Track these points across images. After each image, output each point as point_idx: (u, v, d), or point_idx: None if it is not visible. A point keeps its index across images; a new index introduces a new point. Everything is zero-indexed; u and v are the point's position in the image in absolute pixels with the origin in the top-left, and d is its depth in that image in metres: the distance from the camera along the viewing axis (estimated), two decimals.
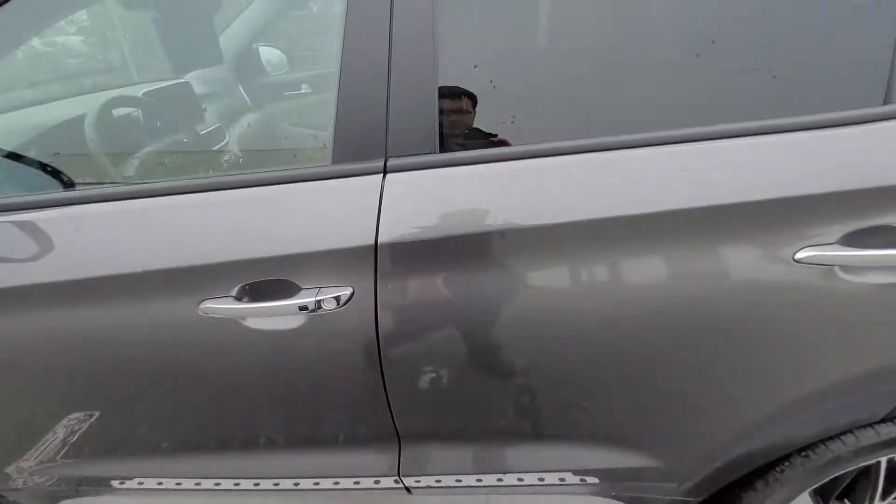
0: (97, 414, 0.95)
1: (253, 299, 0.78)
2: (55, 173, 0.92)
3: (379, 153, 0.74)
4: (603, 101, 0.78)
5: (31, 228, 0.80)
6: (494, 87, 0.76)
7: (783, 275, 0.72)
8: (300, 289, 0.77)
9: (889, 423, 0.86)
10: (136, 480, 1.06)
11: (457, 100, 0.75)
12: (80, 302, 0.80)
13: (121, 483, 1.10)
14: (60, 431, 0.96)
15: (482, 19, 0.75)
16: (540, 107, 0.78)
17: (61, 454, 1.03)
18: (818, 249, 0.71)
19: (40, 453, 1.06)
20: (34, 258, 0.79)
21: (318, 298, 0.76)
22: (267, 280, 0.78)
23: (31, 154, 1.01)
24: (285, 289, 0.77)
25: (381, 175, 0.74)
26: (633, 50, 0.76)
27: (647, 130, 0.71)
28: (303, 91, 0.96)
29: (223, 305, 0.78)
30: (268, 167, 0.85)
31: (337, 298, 0.76)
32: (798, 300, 0.75)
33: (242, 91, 1.32)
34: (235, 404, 0.93)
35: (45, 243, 0.79)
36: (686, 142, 0.70)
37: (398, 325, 0.79)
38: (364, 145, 0.75)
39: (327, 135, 0.76)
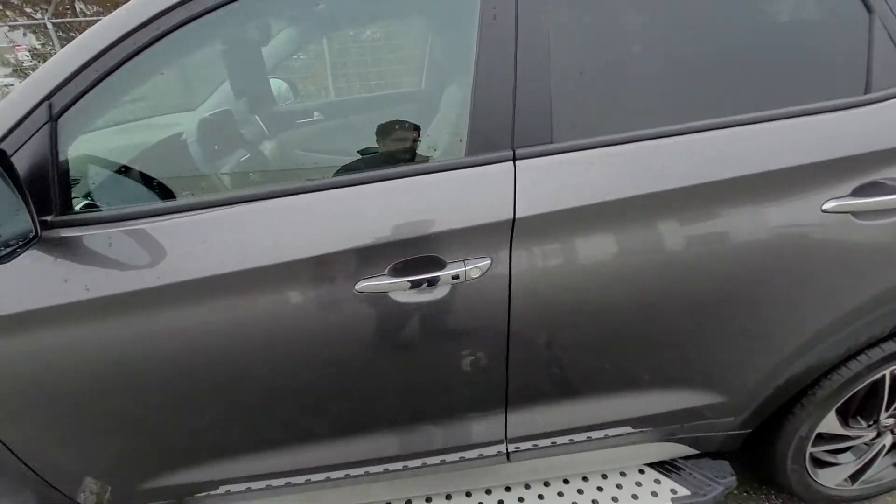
0: (255, 405, 1.00)
1: (401, 276, 0.89)
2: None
3: (507, 145, 0.90)
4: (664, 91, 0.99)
5: (206, 223, 0.87)
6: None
7: (818, 220, 0.95)
8: (446, 263, 0.90)
9: (892, 340, 1.11)
10: (264, 483, 1.09)
11: None
12: (254, 289, 0.87)
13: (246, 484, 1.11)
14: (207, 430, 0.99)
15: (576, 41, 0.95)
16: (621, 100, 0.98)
17: (192, 457, 1.05)
18: (838, 201, 0.95)
19: (143, 466, 1.06)
20: (213, 251, 0.86)
21: (466, 269, 0.88)
22: (416, 258, 0.89)
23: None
24: (433, 263, 0.89)
25: (512, 162, 0.90)
26: (689, 48, 0.98)
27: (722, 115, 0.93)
28: (441, 103, 1.10)
29: (379, 282, 0.88)
30: (414, 162, 0.97)
31: (480, 268, 0.89)
32: (825, 242, 0.98)
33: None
34: (383, 383, 1.01)
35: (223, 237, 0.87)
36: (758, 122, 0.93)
37: (528, 290, 0.93)
38: (495, 139, 0.90)
39: (462, 132, 0.91)
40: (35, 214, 0.76)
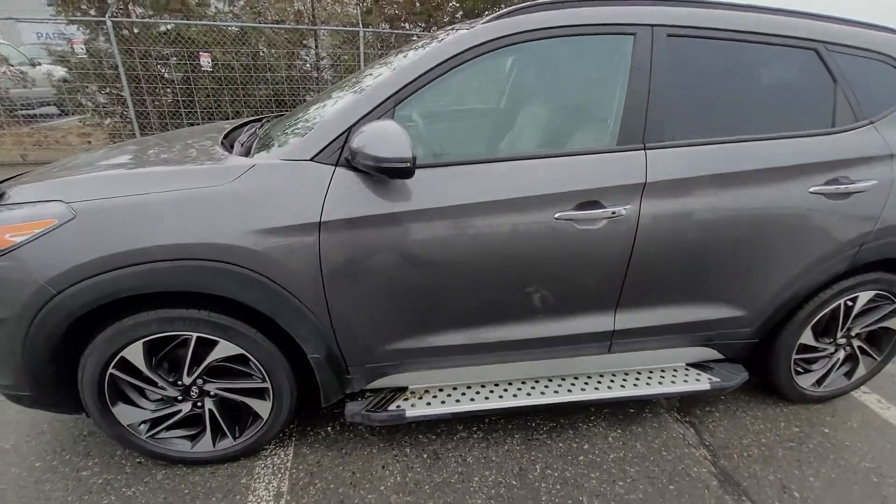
0: (459, 295, 1.57)
1: (581, 210, 1.52)
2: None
3: (640, 139, 1.56)
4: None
5: (482, 171, 1.48)
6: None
7: (804, 199, 1.65)
8: (604, 206, 1.53)
9: (849, 277, 1.82)
10: (454, 344, 1.66)
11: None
12: (503, 211, 1.48)
13: (439, 357, 1.68)
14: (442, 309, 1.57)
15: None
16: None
17: (419, 329, 1.61)
18: (818, 186, 1.66)
19: (403, 331, 1.62)
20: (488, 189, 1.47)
21: (615, 209, 1.53)
22: (587, 201, 1.53)
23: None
24: (597, 206, 1.53)
25: (643, 151, 1.56)
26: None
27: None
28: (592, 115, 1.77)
29: (568, 214, 1.51)
30: (592, 148, 1.61)
31: (625, 210, 1.54)
32: (811, 212, 1.68)
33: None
34: (551, 282, 1.61)
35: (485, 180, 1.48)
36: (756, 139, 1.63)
37: (648, 227, 1.57)
38: (634, 137, 1.56)
39: (614, 128, 1.56)
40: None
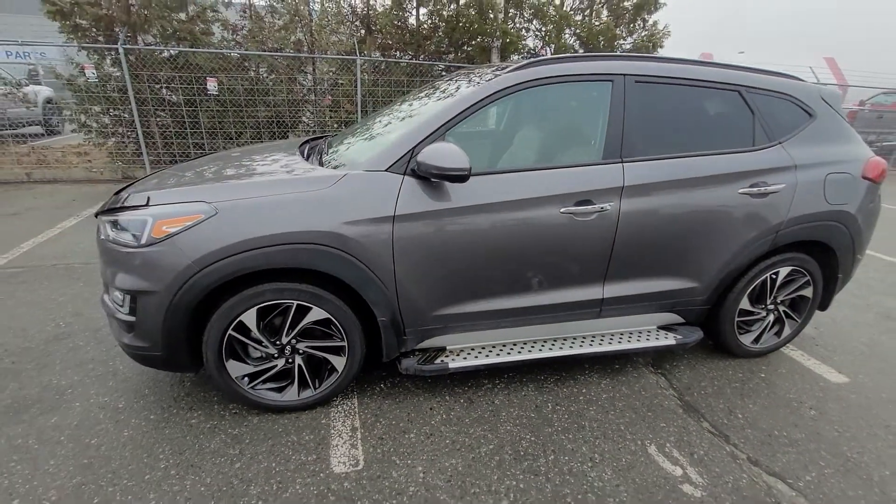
0: (491, 271, 2.11)
1: (579, 206, 2.09)
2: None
3: (619, 155, 2.16)
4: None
5: (504, 179, 2.03)
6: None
7: (735, 198, 2.29)
8: (594, 203, 2.11)
9: (771, 256, 2.47)
10: (485, 311, 2.19)
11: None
12: (524, 207, 2.03)
13: (472, 321, 2.20)
14: (471, 283, 2.09)
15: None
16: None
17: (459, 299, 2.13)
18: (744, 189, 2.30)
19: (447, 300, 2.13)
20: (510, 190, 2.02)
21: (602, 206, 2.11)
22: (583, 199, 2.10)
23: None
24: (590, 203, 2.11)
25: (621, 164, 2.16)
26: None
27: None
28: (584, 138, 2.36)
29: (570, 209, 2.08)
30: (582, 161, 2.20)
31: (609, 206, 2.12)
32: (740, 207, 2.31)
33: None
34: (557, 260, 2.17)
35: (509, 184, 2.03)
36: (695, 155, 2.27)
37: (626, 218, 2.16)
38: (614, 153, 2.16)
39: (600, 146, 2.16)
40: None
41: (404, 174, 1.97)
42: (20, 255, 3.90)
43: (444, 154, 1.84)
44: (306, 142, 2.82)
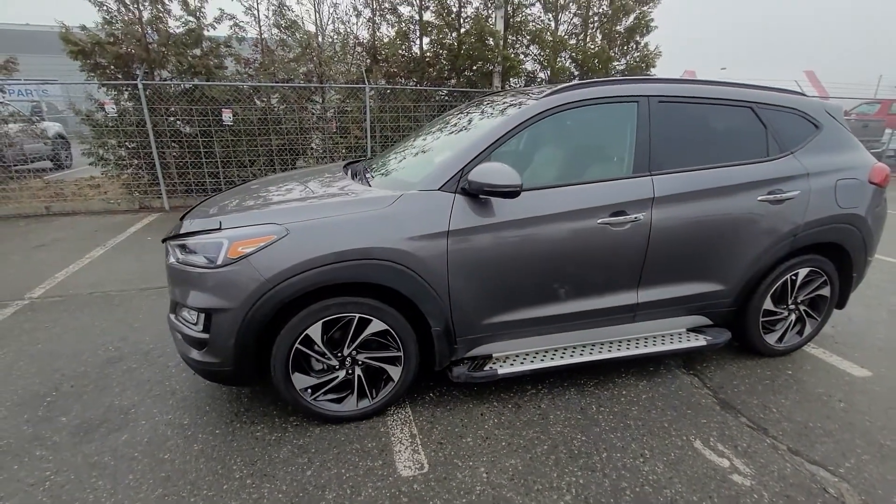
0: (534, 279, 2.25)
1: (614, 217, 2.26)
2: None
3: (647, 168, 2.34)
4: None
5: (550, 194, 2.20)
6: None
7: (755, 205, 2.47)
8: (628, 214, 2.28)
9: (791, 258, 2.63)
10: (530, 319, 2.32)
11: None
12: (562, 219, 2.19)
13: (518, 329, 2.32)
14: (521, 293, 2.23)
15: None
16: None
17: (506, 308, 2.26)
18: (762, 196, 2.48)
19: (495, 309, 2.27)
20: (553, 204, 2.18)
21: (636, 216, 2.28)
22: (617, 210, 2.27)
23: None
24: (624, 214, 2.27)
25: (650, 177, 2.34)
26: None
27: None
28: (615, 154, 2.54)
29: (606, 220, 2.24)
30: (612, 175, 2.37)
31: (642, 216, 2.29)
32: (760, 213, 2.49)
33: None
34: (595, 268, 2.32)
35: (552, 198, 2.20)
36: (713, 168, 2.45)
37: (658, 227, 2.32)
38: (643, 166, 2.34)
39: (630, 161, 2.34)
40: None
41: (455, 192, 2.13)
42: (55, 284, 3.99)
43: (497, 173, 2.01)
44: (346, 165, 2.99)
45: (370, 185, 2.41)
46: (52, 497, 1.82)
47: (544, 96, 2.30)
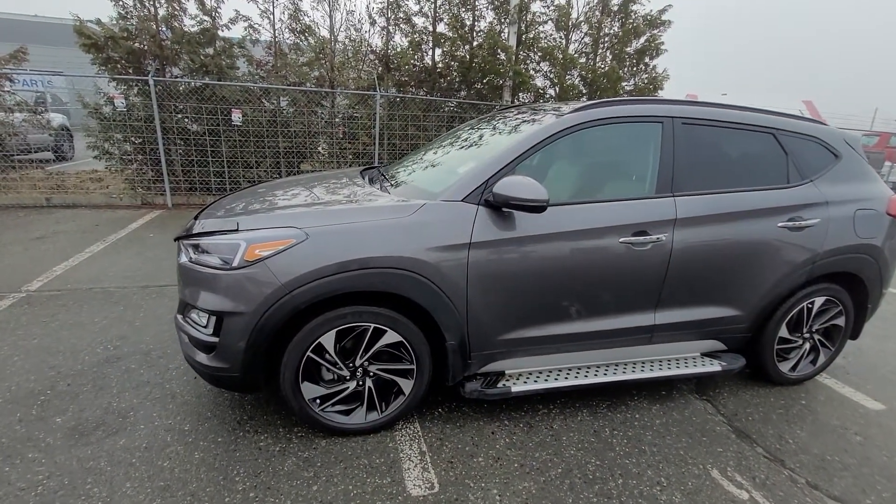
0: (553, 296, 2.20)
1: (636, 236, 2.23)
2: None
3: (670, 189, 2.32)
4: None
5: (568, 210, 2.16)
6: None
7: (775, 231, 2.45)
8: (650, 234, 2.25)
9: (808, 286, 2.60)
10: (546, 337, 2.27)
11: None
12: (585, 237, 2.16)
13: (534, 346, 2.27)
14: (536, 310, 2.19)
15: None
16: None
17: (523, 324, 2.21)
18: (783, 222, 2.46)
19: (512, 325, 2.21)
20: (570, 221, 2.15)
21: (657, 236, 2.24)
22: (640, 230, 2.24)
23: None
24: (646, 234, 2.24)
25: (673, 197, 2.31)
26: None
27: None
28: (638, 173, 2.52)
29: (628, 239, 2.21)
30: (635, 195, 2.35)
31: (664, 237, 2.26)
32: (780, 239, 2.47)
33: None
34: (615, 287, 2.28)
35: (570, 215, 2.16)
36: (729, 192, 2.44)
37: (679, 247, 2.29)
38: (666, 186, 2.32)
39: (653, 181, 2.32)
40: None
41: (479, 204, 2.09)
42: (54, 278, 3.91)
43: (523, 186, 1.97)
44: (364, 171, 2.95)
45: (389, 193, 2.37)
46: (44, 503, 1.73)
47: (570, 112, 2.28)
